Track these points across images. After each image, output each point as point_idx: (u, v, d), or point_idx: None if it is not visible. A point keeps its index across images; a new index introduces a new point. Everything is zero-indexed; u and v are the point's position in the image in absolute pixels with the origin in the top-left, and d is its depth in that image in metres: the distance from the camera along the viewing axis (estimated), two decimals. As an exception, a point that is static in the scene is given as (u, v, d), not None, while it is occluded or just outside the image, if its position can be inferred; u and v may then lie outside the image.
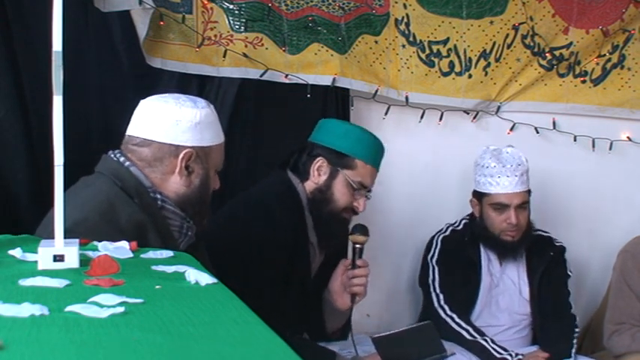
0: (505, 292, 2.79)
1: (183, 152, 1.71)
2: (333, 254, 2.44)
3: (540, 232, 2.87)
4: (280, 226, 2.18)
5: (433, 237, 2.83)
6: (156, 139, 1.71)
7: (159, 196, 1.71)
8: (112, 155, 1.74)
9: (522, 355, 2.64)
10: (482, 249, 2.78)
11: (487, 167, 2.68)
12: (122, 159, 1.72)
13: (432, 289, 2.73)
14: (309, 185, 2.31)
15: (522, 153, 2.71)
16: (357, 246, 2.33)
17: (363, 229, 2.33)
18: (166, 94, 1.78)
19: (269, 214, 2.19)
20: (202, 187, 1.76)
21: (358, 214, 2.36)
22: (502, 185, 2.65)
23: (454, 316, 2.67)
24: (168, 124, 1.70)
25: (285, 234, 2.20)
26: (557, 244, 2.86)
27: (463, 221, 2.84)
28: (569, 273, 2.85)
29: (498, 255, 2.77)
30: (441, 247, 2.78)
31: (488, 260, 2.78)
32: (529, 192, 2.73)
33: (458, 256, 2.77)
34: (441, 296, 2.71)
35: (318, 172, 2.30)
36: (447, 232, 2.82)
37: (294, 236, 2.23)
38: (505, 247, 2.73)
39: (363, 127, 2.48)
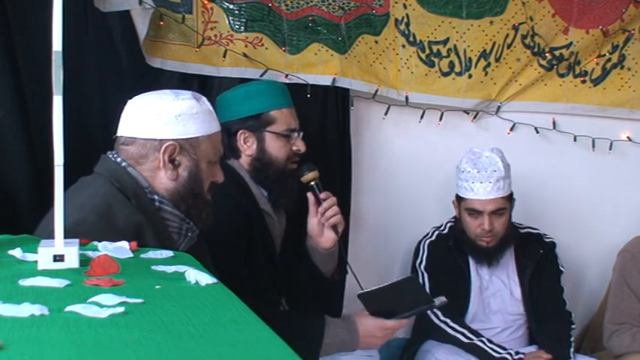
0: (496, 294, 2.78)
1: (165, 145, 1.70)
2: (297, 215, 2.45)
3: (529, 230, 2.85)
4: (227, 209, 2.16)
5: (420, 242, 2.81)
6: (139, 136, 1.71)
7: (156, 197, 1.71)
8: (110, 156, 1.75)
9: (523, 353, 2.64)
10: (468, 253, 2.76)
11: (464, 172, 2.66)
12: (119, 159, 1.72)
13: None
14: (245, 159, 2.33)
15: (501, 158, 2.65)
16: (312, 183, 2.35)
17: (309, 167, 2.35)
18: (152, 91, 1.77)
19: (214, 204, 2.17)
20: (192, 179, 1.74)
21: (303, 156, 2.37)
22: (476, 191, 2.63)
23: (448, 320, 2.67)
24: (149, 119, 1.69)
25: (236, 215, 2.20)
26: (547, 239, 2.83)
27: (448, 224, 2.83)
28: (562, 269, 2.82)
29: (474, 259, 2.75)
30: (428, 253, 2.76)
31: (476, 263, 2.76)
32: (509, 197, 2.69)
33: (445, 260, 2.75)
34: None
35: (246, 144, 2.32)
36: (433, 237, 2.80)
37: (245, 214, 2.24)
38: (479, 252, 2.72)
39: (255, 82, 2.50)
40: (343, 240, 2.60)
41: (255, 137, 2.32)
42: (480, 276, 2.77)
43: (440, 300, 2.21)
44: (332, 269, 2.47)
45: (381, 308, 2.17)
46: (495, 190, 2.62)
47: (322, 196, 2.34)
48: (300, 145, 2.35)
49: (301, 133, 2.38)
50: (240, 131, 2.32)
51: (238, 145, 2.33)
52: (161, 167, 1.71)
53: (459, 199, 2.72)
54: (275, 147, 2.32)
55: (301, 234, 2.44)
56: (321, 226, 2.37)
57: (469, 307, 2.75)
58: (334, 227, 2.36)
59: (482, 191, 2.62)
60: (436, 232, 2.82)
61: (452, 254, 2.76)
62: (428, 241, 2.79)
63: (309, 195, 2.35)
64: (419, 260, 2.77)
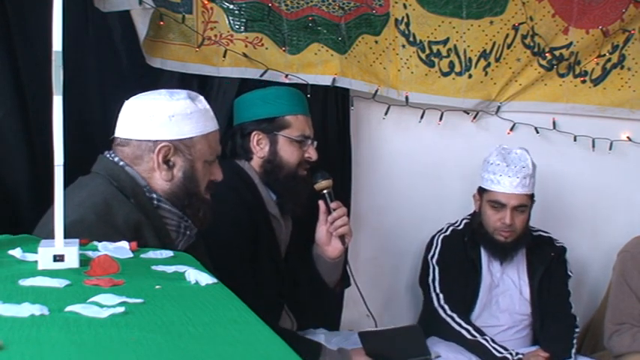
0: (505, 293, 2.79)
1: (159, 147, 1.69)
2: (306, 221, 2.45)
3: (541, 233, 2.88)
4: (232, 206, 2.16)
5: (434, 236, 2.83)
6: (133, 137, 1.71)
7: (154, 196, 1.71)
8: (108, 155, 1.75)
9: (522, 354, 2.65)
10: (482, 249, 2.78)
11: (492, 164, 2.69)
12: (116, 159, 1.72)
13: (431, 289, 2.73)
14: (256, 161, 2.34)
15: (532, 157, 2.68)
16: (325, 192, 2.36)
17: (323, 175, 2.36)
18: (149, 92, 1.76)
19: (220, 203, 2.18)
20: (187, 180, 1.74)
21: (314, 164, 2.39)
22: (502, 184, 2.66)
23: (454, 315, 2.67)
24: (143, 120, 1.69)
25: (241, 213, 2.20)
26: (558, 244, 2.86)
27: (464, 221, 2.84)
28: (570, 274, 2.85)
29: (489, 253, 2.76)
30: (442, 247, 2.78)
31: (489, 260, 2.78)
32: (531, 197, 2.71)
33: (458, 255, 2.76)
34: (441, 296, 2.71)
35: (259, 145, 2.33)
36: (448, 232, 2.82)
37: (251, 212, 2.24)
38: (496, 247, 2.73)
39: (274, 87, 2.51)
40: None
41: (268, 139, 2.33)
42: (491, 273, 2.79)
43: (436, 355, 2.29)
44: (336, 280, 2.48)
45: (379, 351, 2.22)
46: (521, 186, 2.65)
47: (333, 205, 2.35)
48: (312, 153, 2.36)
49: (315, 142, 2.38)
50: (254, 132, 2.33)
51: (251, 146, 2.33)
52: (156, 168, 1.71)
53: (482, 192, 2.74)
54: (287, 151, 2.33)
55: (308, 241, 2.44)
56: (329, 235, 2.37)
57: (477, 302, 2.76)
58: (342, 238, 2.37)
59: (508, 185, 2.65)
60: (451, 228, 2.83)
61: (466, 249, 2.77)
62: (442, 236, 2.81)
63: (321, 203, 2.35)
64: (431, 253, 2.79)
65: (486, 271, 2.78)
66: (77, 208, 1.54)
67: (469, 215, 2.85)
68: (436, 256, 2.77)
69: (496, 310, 2.78)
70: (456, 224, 2.84)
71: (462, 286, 2.75)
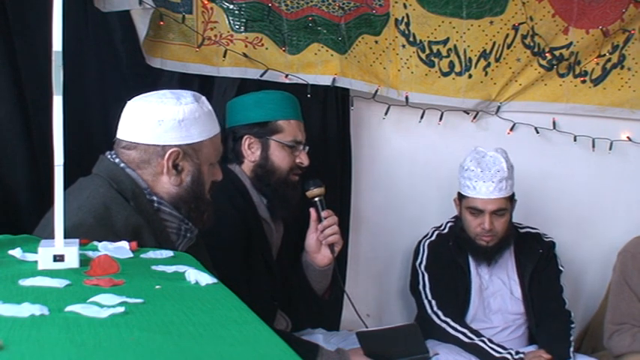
0: (496, 294, 2.78)
1: (169, 152, 1.69)
2: (296, 227, 2.45)
3: (528, 229, 2.86)
4: (225, 212, 2.15)
5: (420, 242, 2.81)
6: (141, 142, 1.69)
7: (155, 198, 1.71)
8: (109, 156, 1.74)
9: (523, 353, 2.64)
10: (468, 252, 2.77)
11: (467, 170, 2.67)
12: (117, 160, 1.72)
13: (423, 296, 2.72)
14: (247, 165, 2.34)
15: (505, 158, 2.65)
16: (316, 199, 2.35)
17: (316, 182, 2.35)
18: (152, 93, 1.74)
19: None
20: (194, 184, 1.74)
21: (305, 170, 2.38)
22: (478, 190, 2.63)
23: (449, 320, 2.66)
24: (152, 124, 1.67)
25: (233, 218, 2.20)
26: (547, 239, 2.84)
27: (449, 224, 2.83)
28: (561, 268, 2.82)
29: (474, 258, 2.75)
30: (428, 253, 2.76)
31: (476, 263, 2.76)
32: (511, 198, 2.69)
33: (445, 260, 2.75)
34: (434, 302, 2.70)
35: (250, 149, 2.33)
36: (433, 237, 2.80)
37: (243, 218, 2.24)
38: (479, 251, 2.72)
39: (267, 90, 2.50)
40: (343, 240, 2.60)
41: (259, 143, 2.32)
42: (479, 275, 2.77)
43: (434, 353, 2.30)
44: (324, 287, 2.48)
45: (377, 350, 2.23)
46: (497, 191, 2.63)
47: (324, 214, 2.35)
48: (303, 159, 2.36)
49: (307, 148, 2.38)
50: (246, 136, 2.32)
51: (242, 150, 2.33)
52: (164, 173, 1.70)
53: (461, 198, 2.73)
54: (279, 156, 2.32)
55: (299, 248, 2.45)
56: (318, 243, 2.37)
57: (469, 306, 2.75)
58: (331, 246, 2.37)
59: (484, 190, 2.63)
60: (436, 232, 2.82)
61: (452, 254, 2.76)
62: (428, 241, 2.79)
63: (312, 211, 2.35)
64: (419, 260, 2.77)
65: (475, 274, 2.76)
66: (76, 211, 1.54)
67: (453, 218, 2.83)
68: (424, 262, 2.76)
69: (488, 312, 2.77)
70: (441, 228, 2.83)
71: (453, 291, 2.73)
